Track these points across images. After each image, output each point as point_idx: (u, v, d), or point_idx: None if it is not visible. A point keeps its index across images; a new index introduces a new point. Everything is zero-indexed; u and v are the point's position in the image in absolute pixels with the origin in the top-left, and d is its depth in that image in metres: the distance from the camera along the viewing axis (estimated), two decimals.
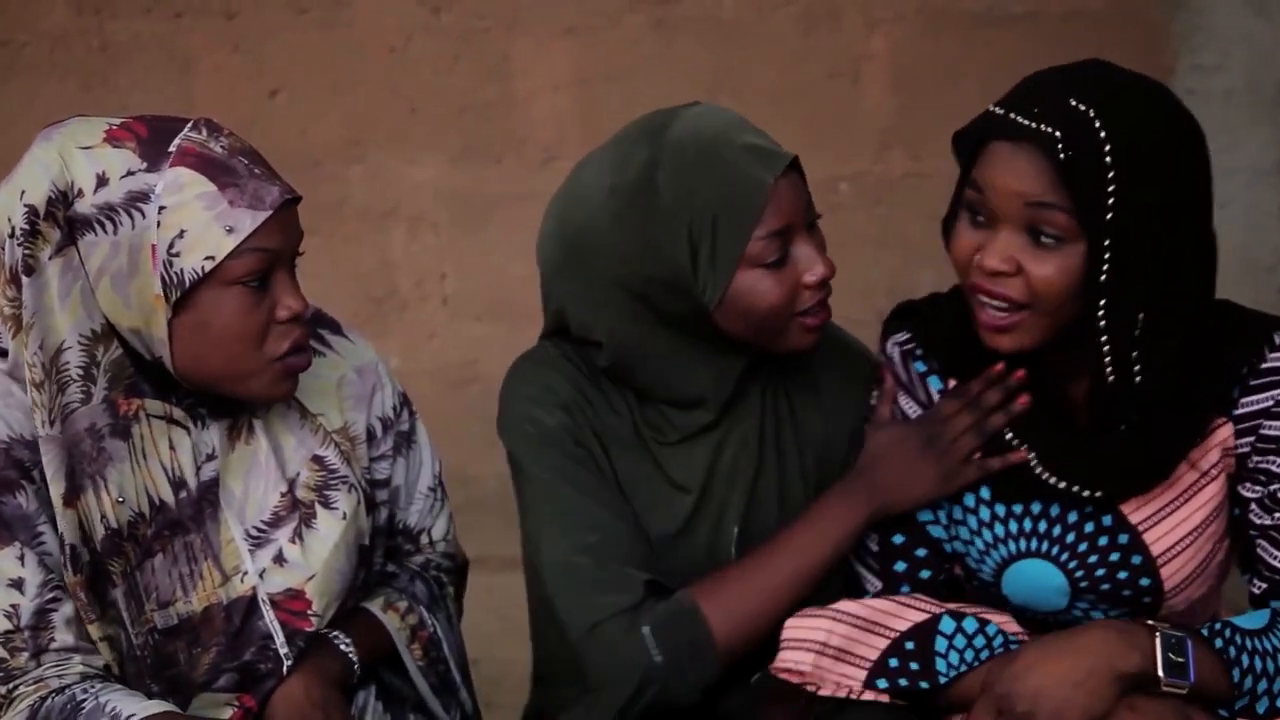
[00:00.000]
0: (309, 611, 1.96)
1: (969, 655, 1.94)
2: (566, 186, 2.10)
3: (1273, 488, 1.94)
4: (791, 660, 1.98)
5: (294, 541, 1.96)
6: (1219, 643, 1.89)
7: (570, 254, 2.06)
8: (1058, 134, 1.82)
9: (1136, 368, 1.89)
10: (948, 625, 1.95)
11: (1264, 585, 1.96)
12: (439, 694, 2.10)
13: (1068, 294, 1.86)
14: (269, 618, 1.94)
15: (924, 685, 1.94)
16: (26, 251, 1.80)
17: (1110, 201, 1.81)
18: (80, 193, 1.81)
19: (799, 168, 2.01)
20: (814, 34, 3.25)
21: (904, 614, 1.97)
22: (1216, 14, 3.23)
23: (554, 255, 2.09)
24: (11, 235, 1.80)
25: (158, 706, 1.82)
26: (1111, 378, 1.89)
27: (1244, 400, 1.94)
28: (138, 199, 1.81)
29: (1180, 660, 1.86)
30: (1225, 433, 1.96)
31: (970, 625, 1.96)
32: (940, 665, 1.93)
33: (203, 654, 1.93)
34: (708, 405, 2.08)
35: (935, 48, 3.26)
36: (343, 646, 1.99)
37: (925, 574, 2.05)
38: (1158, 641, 1.87)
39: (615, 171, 2.02)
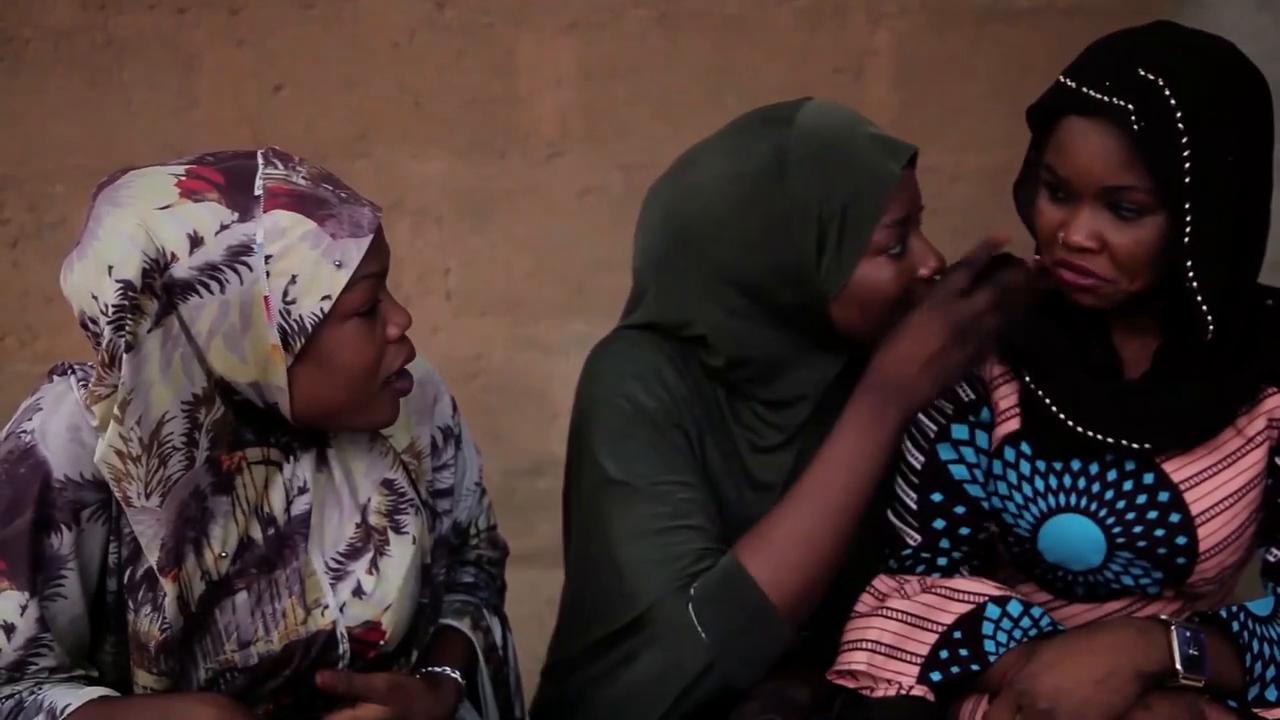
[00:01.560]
0: (381, 642, 1.93)
1: (1017, 634, 1.98)
2: (674, 177, 2.09)
3: None
4: (848, 661, 2.03)
5: (371, 572, 1.92)
6: (1235, 626, 1.93)
7: (679, 245, 2.05)
8: (1130, 106, 1.84)
9: (1220, 320, 1.92)
10: (993, 611, 1.99)
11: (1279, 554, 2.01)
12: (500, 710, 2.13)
13: (1151, 260, 1.90)
14: (344, 648, 1.91)
15: (975, 668, 1.98)
16: (128, 328, 1.70)
17: (1186, 167, 1.84)
18: (174, 257, 1.72)
19: (914, 161, 2.07)
20: (818, 29, 3.25)
21: (949, 606, 2.01)
22: (1222, 9, 3.22)
23: (658, 246, 2.08)
24: (104, 313, 1.71)
25: (95, 693, 1.79)
26: (1212, 334, 1.91)
27: None
28: (240, 253, 1.73)
29: (1195, 654, 1.89)
30: (1275, 402, 2.00)
31: (1015, 608, 1.99)
32: (989, 646, 1.97)
33: (270, 682, 1.90)
34: (804, 404, 2.09)
35: (939, 43, 3.25)
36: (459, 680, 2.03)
37: (964, 530, 2.08)
38: (1174, 637, 1.89)
39: (737, 160, 2.03)
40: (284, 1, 3.22)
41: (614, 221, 3.25)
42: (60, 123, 3.21)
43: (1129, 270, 1.90)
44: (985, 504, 2.08)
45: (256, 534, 1.86)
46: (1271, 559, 2.02)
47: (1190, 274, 1.88)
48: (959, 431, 2.08)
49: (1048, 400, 2.00)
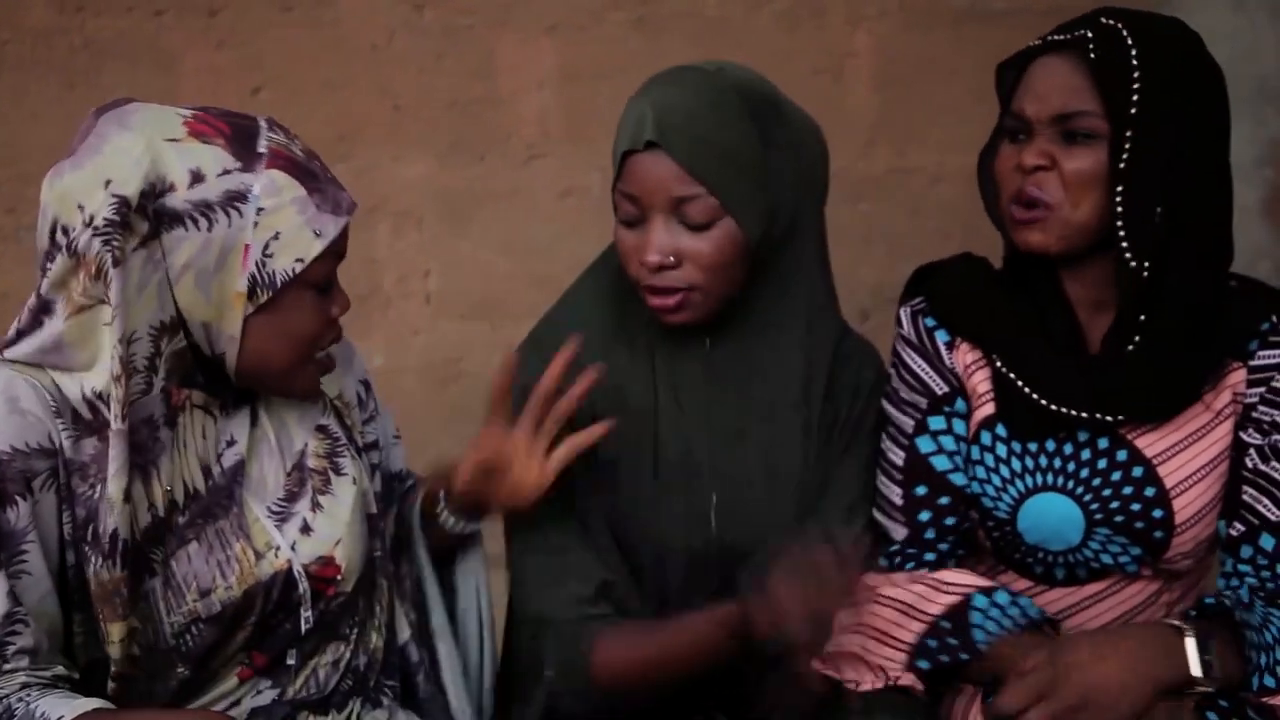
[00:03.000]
0: (337, 577, 1.98)
1: (1006, 623, 2.00)
2: None
3: (1273, 438, 2.02)
4: (839, 641, 2.05)
5: (315, 510, 1.98)
6: (1233, 606, 1.95)
7: None
8: (1089, 35, 1.98)
9: (1159, 269, 1.98)
10: (980, 601, 2.02)
11: (1242, 529, 2.04)
12: None
13: (1094, 185, 1.98)
14: (303, 588, 1.95)
15: (964, 657, 2.01)
16: (115, 243, 1.78)
17: (1134, 98, 1.94)
18: (172, 186, 1.81)
19: (679, 155, 2.02)
20: (798, 31, 3.25)
21: (938, 598, 2.03)
22: (1197, 10, 3.24)
23: None
24: (89, 224, 1.79)
25: (89, 704, 1.79)
26: (1132, 264, 1.97)
27: (1262, 352, 2.04)
28: (236, 199, 1.83)
29: (1209, 658, 1.93)
30: (1238, 377, 2.05)
31: (1002, 598, 2.02)
32: (978, 635, 2.00)
33: (238, 632, 1.93)
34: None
35: (918, 44, 3.26)
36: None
37: (950, 520, 2.11)
38: (1189, 647, 1.93)
39: None
40: (263, 3, 3.22)
41: (595, 223, 3.24)
42: (38, 125, 3.20)
43: (1074, 193, 1.98)
44: (967, 490, 2.10)
45: (200, 484, 1.91)
46: (1235, 533, 2.04)
47: (1119, 200, 1.96)
48: (936, 423, 2.11)
49: (1019, 381, 2.03)
